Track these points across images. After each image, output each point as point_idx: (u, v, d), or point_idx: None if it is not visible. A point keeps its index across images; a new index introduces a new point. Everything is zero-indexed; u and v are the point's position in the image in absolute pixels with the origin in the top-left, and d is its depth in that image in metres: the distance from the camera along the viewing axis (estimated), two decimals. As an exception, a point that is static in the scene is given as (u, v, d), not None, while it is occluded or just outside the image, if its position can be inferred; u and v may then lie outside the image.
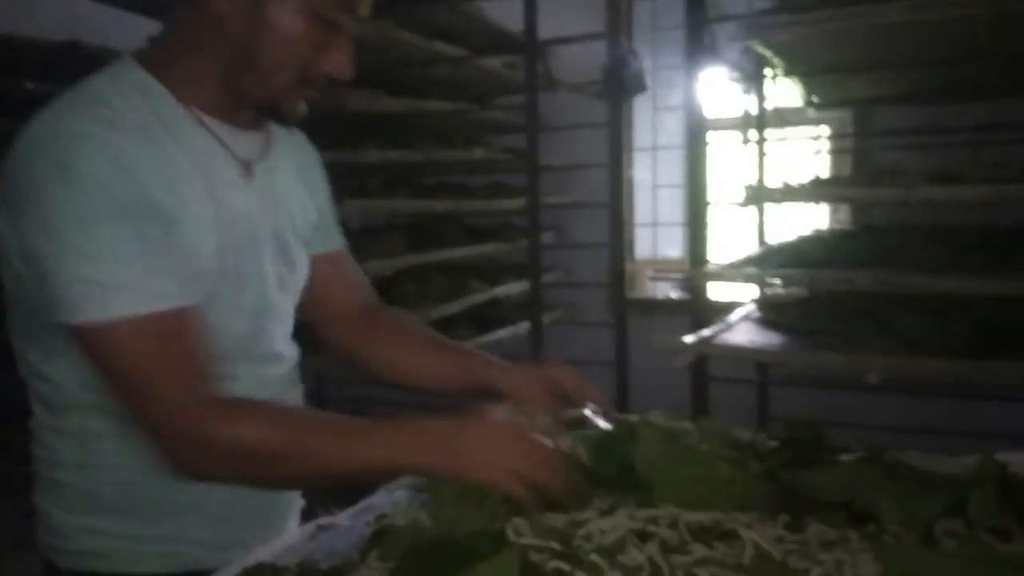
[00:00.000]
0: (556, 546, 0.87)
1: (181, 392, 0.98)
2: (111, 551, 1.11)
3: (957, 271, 2.29)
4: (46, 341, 1.06)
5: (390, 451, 1.01)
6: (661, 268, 4.54)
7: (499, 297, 3.73)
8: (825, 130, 4.10)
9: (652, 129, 4.54)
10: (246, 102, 1.10)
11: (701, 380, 2.60)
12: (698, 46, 2.59)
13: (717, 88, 3.47)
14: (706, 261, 2.64)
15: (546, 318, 3.58)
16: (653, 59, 4.33)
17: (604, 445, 1.14)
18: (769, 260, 2.74)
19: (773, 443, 1.17)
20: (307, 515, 1.29)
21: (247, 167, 1.15)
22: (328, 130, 3.00)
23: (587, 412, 1.35)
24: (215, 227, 1.07)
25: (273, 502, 1.23)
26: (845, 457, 1.11)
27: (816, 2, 2.33)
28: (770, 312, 2.87)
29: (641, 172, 4.55)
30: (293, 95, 1.10)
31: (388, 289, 3.19)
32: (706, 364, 2.60)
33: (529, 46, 3.27)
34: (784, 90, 3.30)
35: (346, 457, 1.01)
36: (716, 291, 3.04)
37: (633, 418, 1.26)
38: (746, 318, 2.89)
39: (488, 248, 3.77)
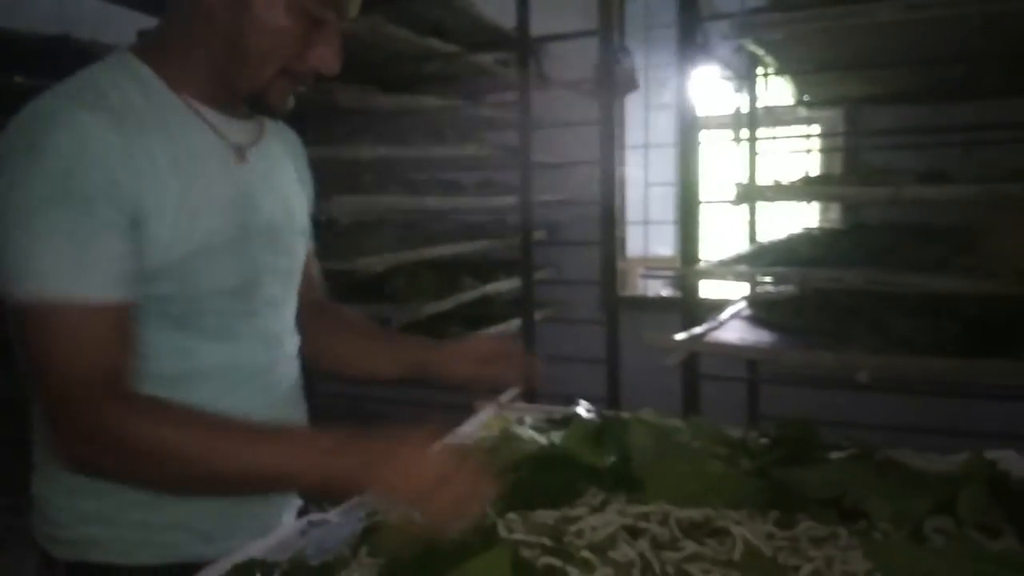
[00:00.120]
0: (547, 542, 0.88)
1: (89, 380, 0.98)
2: (104, 540, 1.11)
3: (947, 270, 2.30)
4: None
5: (294, 460, 0.99)
6: (652, 266, 4.55)
7: (491, 294, 3.73)
8: (816, 129, 4.11)
9: (644, 127, 4.54)
10: (235, 92, 1.12)
11: (692, 378, 2.60)
12: (690, 44, 2.59)
13: (709, 86, 3.47)
14: (697, 259, 2.64)
15: (538, 315, 3.58)
16: (645, 57, 4.34)
17: (595, 441, 1.15)
18: (760, 258, 2.75)
19: (764, 440, 1.18)
20: (299, 512, 1.29)
21: (240, 152, 1.16)
22: (320, 126, 2.99)
23: (579, 410, 1.36)
24: (200, 212, 1.08)
25: (267, 496, 1.23)
26: (835, 455, 1.12)
27: (808, 1, 2.33)
28: (761, 310, 2.88)
29: (633, 170, 4.55)
30: (280, 88, 1.12)
31: (379, 285, 3.19)
32: (697, 362, 2.61)
33: (521, 43, 3.26)
34: (776, 89, 3.30)
35: (245, 461, 0.99)
36: (707, 289, 3.05)
37: (624, 415, 1.26)
38: (737, 316, 2.90)
39: (480, 245, 3.76)
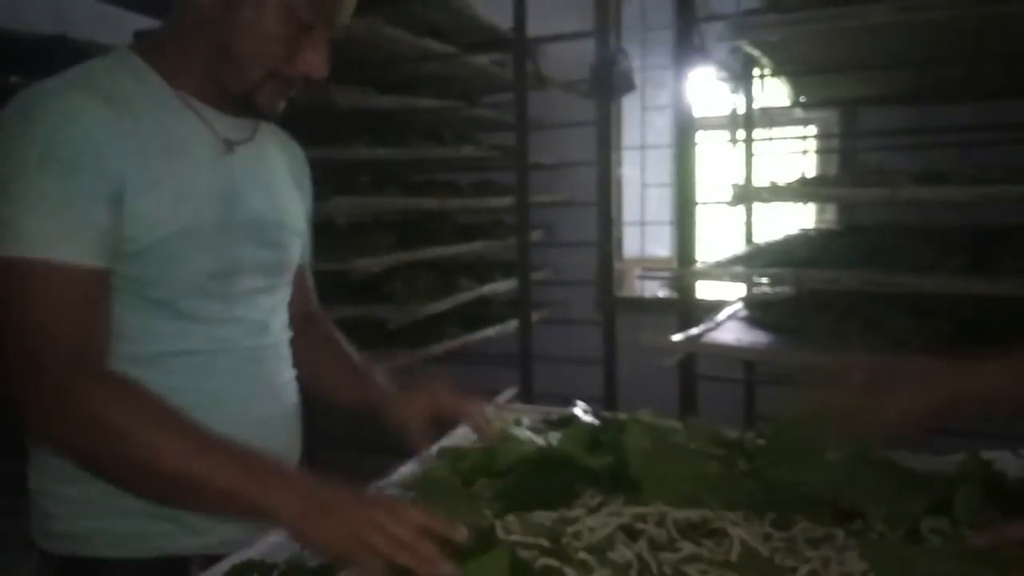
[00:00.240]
0: (545, 543, 0.88)
1: (60, 340, 1.00)
2: (93, 533, 1.12)
3: (943, 271, 2.31)
4: None
5: (231, 480, 0.95)
6: (649, 267, 4.55)
7: (488, 295, 3.73)
8: (812, 130, 4.12)
9: (640, 128, 4.54)
10: (225, 92, 1.15)
11: (689, 378, 2.61)
12: (687, 45, 2.60)
13: (705, 87, 3.48)
14: (694, 260, 2.64)
15: (535, 316, 3.58)
16: (642, 58, 4.34)
17: (593, 442, 1.15)
18: (756, 259, 2.75)
19: (760, 441, 1.18)
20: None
21: (228, 145, 1.18)
22: (317, 127, 2.99)
23: (576, 411, 1.36)
24: (183, 196, 1.09)
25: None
26: (832, 455, 1.12)
27: (804, 2, 2.34)
28: (757, 311, 2.88)
29: (629, 171, 4.55)
30: (269, 90, 1.14)
31: (377, 286, 3.19)
32: (694, 362, 2.61)
33: (518, 44, 3.26)
34: (772, 90, 3.31)
35: (179, 460, 0.96)
36: (704, 290, 3.05)
37: (621, 416, 1.26)
38: (733, 317, 2.90)
39: (477, 246, 3.76)
